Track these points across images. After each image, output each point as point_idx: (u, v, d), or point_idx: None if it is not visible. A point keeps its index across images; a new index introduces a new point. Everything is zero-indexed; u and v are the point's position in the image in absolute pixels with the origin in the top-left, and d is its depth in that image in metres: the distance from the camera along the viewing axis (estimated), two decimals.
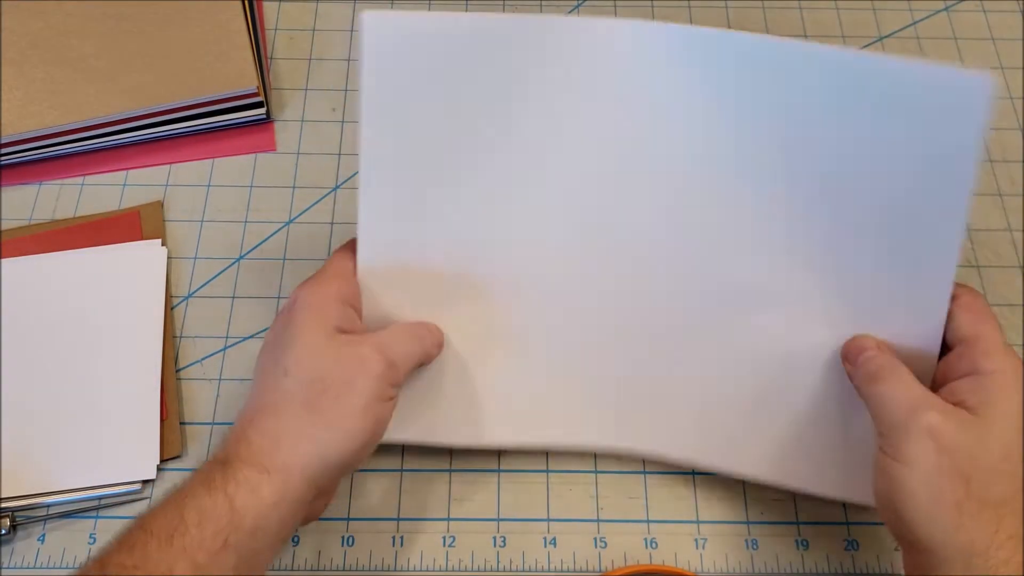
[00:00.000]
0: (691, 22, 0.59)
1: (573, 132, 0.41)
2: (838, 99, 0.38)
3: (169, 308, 0.48)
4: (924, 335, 0.39)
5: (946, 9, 0.60)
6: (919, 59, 0.38)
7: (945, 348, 0.39)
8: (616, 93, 0.40)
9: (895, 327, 0.40)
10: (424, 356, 0.41)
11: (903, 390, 0.36)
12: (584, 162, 0.41)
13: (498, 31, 0.40)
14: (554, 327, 0.43)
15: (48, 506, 0.43)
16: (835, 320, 0.41)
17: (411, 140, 0.41)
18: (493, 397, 0.43)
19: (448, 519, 0.43)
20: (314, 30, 0.59)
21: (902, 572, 0.38)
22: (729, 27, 0.58)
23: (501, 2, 0.60)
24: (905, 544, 0.36)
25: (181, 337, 0.48)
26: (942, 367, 0.38)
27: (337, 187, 0.53)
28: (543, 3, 0.60)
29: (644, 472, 0.45)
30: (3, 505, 0.42)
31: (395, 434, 0.41)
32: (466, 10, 0.59)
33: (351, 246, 0.42)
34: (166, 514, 0.32)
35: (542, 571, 0.42)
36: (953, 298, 0.38)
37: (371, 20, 0.39)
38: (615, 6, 0.60)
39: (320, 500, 0.38)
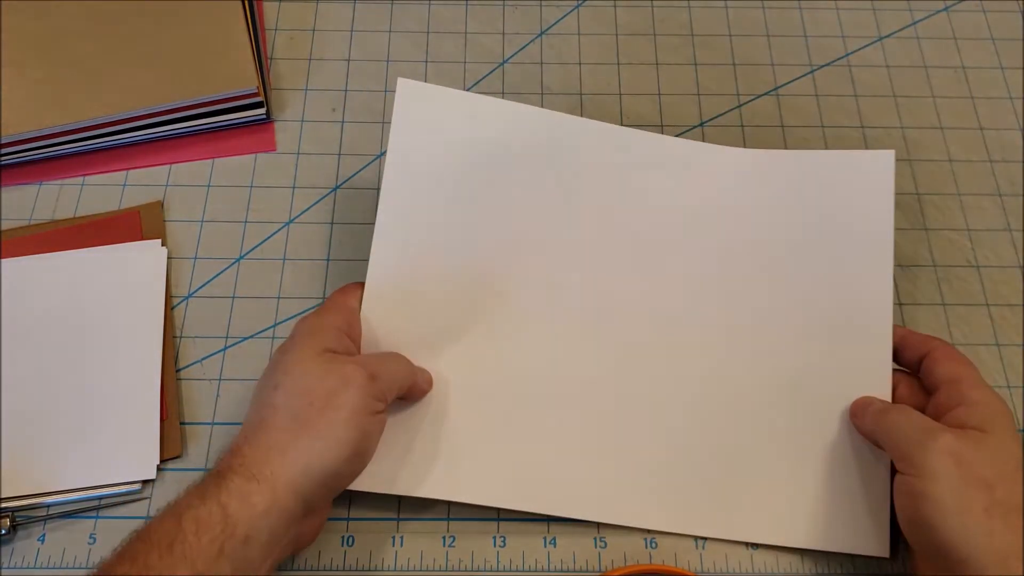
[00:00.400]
0: (691, 22, 0.59)
1: (572, 209, 0.46)
2: (788, 192, 0.46)
3: (169, 308, 0.48)
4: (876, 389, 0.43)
5: (946, 9, 0.60)
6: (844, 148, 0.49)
7: (926, 396, 0.41)
8: (617, 189, 0.46)
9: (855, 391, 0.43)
10: (411, 380, 0.42)
11: (916, 418, 0.39)
12: (586, 241, 0.46)
13: (516, 118, 0.47)
14: (559, 393, 0.44)
15: (48, 506, 0.43)
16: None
17: (426, 193, 0.45)
18: (492, 457, 0.43)
19: (448, 519, 0.43)
20: (314, 30, 0.59)
21: (901, 573, 0.38)
22: (729, 28, 0.59)
23: (501, 3, 0.60)
24: (938, 560, 0.36)
25: (181, 337, 0.48)
26: (931, 407, 0.40)
27: (337, 187, 0.53)
28: (543, 2, 0.60)
29: None
30: (3, 505, 0.42)
31: (390, 487, 0.42)
32: (466, 9, 0.59)
33: (357, 285, 0.44)
34: (164, 525, 0.33)
35: (542, 571, 0.42)
36: (931, 349, 0.41)
37: (404, 85, 0.46)
38: (615, 6, 0.60)
39: (311, 520, 0.38)
